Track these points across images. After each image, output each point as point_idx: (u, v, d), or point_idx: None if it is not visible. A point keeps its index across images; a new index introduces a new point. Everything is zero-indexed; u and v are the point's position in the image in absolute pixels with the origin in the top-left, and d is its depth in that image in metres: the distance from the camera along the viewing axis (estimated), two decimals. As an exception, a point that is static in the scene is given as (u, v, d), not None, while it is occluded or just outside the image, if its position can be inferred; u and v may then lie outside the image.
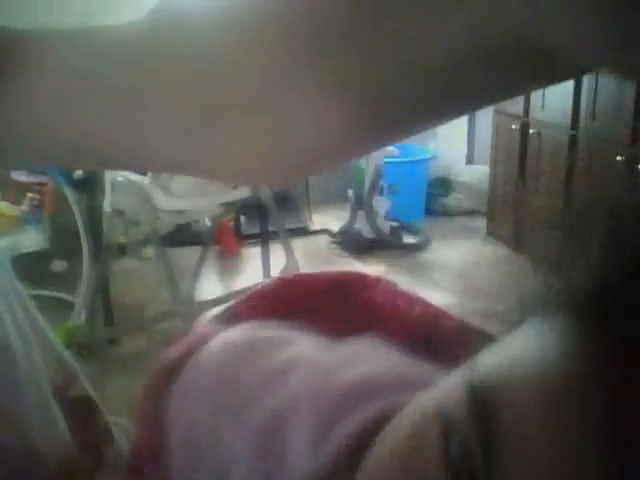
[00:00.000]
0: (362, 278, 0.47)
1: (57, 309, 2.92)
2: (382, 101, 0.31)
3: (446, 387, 0.28)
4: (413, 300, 0.45)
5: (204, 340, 0.43)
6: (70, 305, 2.89)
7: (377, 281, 0.47)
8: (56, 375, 0.55)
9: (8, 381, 0.46)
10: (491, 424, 0.24)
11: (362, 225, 3.86)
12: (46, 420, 0.49)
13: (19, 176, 3.16)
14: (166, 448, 0.40)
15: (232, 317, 0.46)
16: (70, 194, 2.87)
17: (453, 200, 4.47)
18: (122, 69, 0.34)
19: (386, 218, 3.90)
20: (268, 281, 0.49)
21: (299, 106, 0.31)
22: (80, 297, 2.85)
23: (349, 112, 0.31)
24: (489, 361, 0.28)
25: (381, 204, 3.85)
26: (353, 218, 3.91)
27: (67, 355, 0.59)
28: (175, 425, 0.40)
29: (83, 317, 2.78)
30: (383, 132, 0.33)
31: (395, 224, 3.95)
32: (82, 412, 0.57)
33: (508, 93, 0.32)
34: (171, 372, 0.41)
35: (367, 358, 0.41)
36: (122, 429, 0.60)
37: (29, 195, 3.23)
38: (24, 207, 3.18)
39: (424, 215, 4.32)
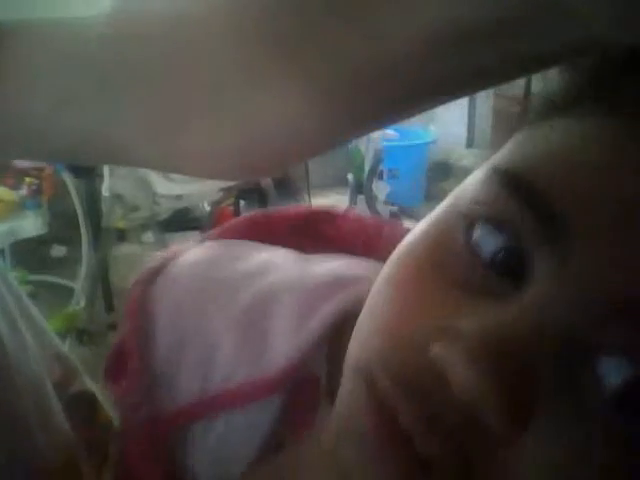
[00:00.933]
0: (329, 212, 0.48)
1: (57, 295, 2.92)
2: (355, 92, 0.30)
3: (469, 184, 0.30)
4: (381, 222, 0.47)
5: (184, 250, 0.45)
6: (70, 291, 2.89)
7: (346, 212, 0.48)
8: (55, 371, 0.54)
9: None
10: (542, 194, 0.24)
11: (362, 209, 3.85)
12: (45, 417, 0.49)
13: (17, 161, 3.15)
14: (151, 336, 0.41)
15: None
16: (68, 179, 2.86)
17: (453, 184, 4.44)
18: (89, 62, 0.34)
19: (386, 202, 3.89)
20: (237, 219, 0.50)
21: (266, 100, 0.31)
22: (80, 283, 2.85)
23: (320, 104, 0.30)
24: (525, 150, 0.28)
25: (381, 188, 3.84)
26: (353, 202, 3.90)
27: (65, 349, 0.59)
28: (160, 311, 0.41)
29: (83, 303, 2.78)
30: (358, 122, 0.33)
31: (395, 208, 3.94)
32: (84, 409, 0.56)
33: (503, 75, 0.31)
34: (155, 270, 0.43)
35: (336, 258, 0.43)
36: None
37: (27, 180, 3.22)
38: (22, 192, 3.17)
39: (424, 199, 4.30)
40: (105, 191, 2.45)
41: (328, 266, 0.42)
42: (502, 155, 0.29)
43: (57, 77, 0.35)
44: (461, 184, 0.33)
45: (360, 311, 0.31)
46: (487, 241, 0.26)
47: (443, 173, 4.50)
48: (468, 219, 0.27)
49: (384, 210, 3.85)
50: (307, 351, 0.37)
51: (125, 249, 3.58)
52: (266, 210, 0.50)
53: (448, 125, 4.57)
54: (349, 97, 0.30)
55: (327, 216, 0.48)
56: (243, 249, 0.44)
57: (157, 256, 0.45)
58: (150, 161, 0.37)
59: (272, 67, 0.30)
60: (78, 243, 2.88)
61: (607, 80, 0.27)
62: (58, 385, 0.53)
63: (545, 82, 0.30)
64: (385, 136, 3.78)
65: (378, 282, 0.30)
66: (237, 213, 4.03)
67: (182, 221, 3.47)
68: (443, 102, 0.32)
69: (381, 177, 3.86)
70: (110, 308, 2.83)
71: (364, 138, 3.75)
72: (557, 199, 0.24)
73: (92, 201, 2.65)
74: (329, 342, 0.38)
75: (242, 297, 0.40)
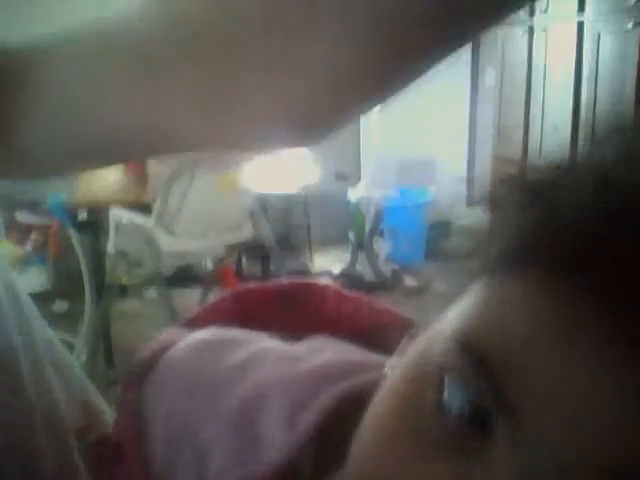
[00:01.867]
0: (310, 286, 0.49)
1: (58, 350, 2.90)
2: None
3: (434, 335, 0.31)
4: (359, 302, 0.48)
5: (172, 341, 0.45)
6: (71, 346, 2.88)
7: (324, 288, 0.49)
8: (78, 415, 0.54)
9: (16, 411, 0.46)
10: (494, 373, 0.25)
11: (363, 267, 3.87)
12: (64, 465, 0.50)
13: (23, 217, 3.19)
14: (147, 436, 0.42)
15: (193, 324, 0.49)
16: (74, 235, 2.88)
17: (453, 243, 4.49)
18: (133, 49, 0.35)
19: (387, 261, 3.91)
20: (219, 295, 0.51)
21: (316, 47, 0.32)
22: (81, 338, 2.85)
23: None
24: (473, 316, 0.29)
25: (382, 247, 3.87)
26: (354, 260, 3.93)
27: (93, 393, 0.59)
28: (155, 415, 0.42)
29: (84, 358, 2.77)
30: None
31: (396, 267, 3.96)
32: (101, 456, 0.56)
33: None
34: (146, 366, 0.43)
35: (325, 351, 0.43)
36: None
37: (33, 236, 3.25)
38: (28, 247, 3.20)
39: (424, 258, 4.33)
40: (110, 248, 2.48)
41: (316, 360, 0.42)
42: (461, 317, 0.30)
43: (104, 72, 0.36)
44: (428, 335, 0.34)
45: (349, 408, 0.33)
46: (455, 398, 0.26)
47: (443, 232, 4.54)
48: (437, 376, 0.27)
49: (386, 268, 3.88)
50: (298, 448, 0.38)
51: (127, 305, 3.59)
52: (246, 287, 0.51)
53: (447, 184, 4.64)
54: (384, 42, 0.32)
55: (306, 289, 0.49)
56: (232, 340, 0.45)
57: (147, 349, 0.45)
58: (208, 139, 0.38)
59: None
60: (80, 299, 2.89)
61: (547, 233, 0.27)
62: (79, 431, 0.54)
63: (496, 234, 0.31)
64: (386, 196, 3.84)
65: (366, 420, 0.31)
66: (239, 269, 4.06)
67: (184, 277, 3.50)
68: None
69: (381, 235, 3.89)
70: (111, 364, 2.82)
71: (365, 198, 3.81)
72: (508, 385, 0.24)
73: (96, 258, 2.68)
74: (317, 438, 0.38)
75: (232, 397, 0.41)
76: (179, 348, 0.44)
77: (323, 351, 0.43)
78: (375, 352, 0.44)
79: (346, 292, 0.49)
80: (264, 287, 0.50)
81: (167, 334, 0.47)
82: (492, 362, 0.25)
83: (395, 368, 0.33)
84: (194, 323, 0.49)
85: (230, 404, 0.40)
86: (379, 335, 0.45)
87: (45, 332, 0.53)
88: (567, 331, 0.24)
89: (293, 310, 0.48)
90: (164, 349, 0.45)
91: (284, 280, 0.50)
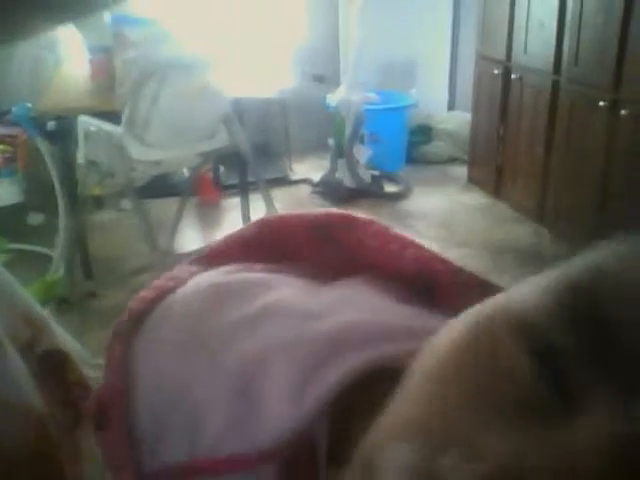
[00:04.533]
0: (350, 218, 0.44)
1: (35, 263, 2.88)
2: None
3: (520, 295, 0.28)
4: (407, 243, 0.43)
5: (179, 283, 0.40)
6: (49, 259, 2.85)
7: (367, 222, 0.44)
8: (23, 331, 0.53)
9: None
10: (604, 326, 0.23)
11: (343, 174, 3.82)
12: (6, 379, 0.47)
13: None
14: (134, 393, 0.38)
15: (212, 259, 0.44)
16: (43, 146, 2.80)
17: (434, 147, 4.44)
18: None
19: (367, 167, 3.87)
20: (249, 223, 0.46)
21: None
22: (57, 250, 2.81)
23: None
24: (586, 264, 0.27)
25: (362, 153, 3.81)
26: (334, 167, 3.88)
27: (35, 308, 0.57)
28: (144, 370, 0.38)
29: (62, 271, 2.75)
30: None
31: (376, 173, 3.92)
32: (53, 367, 0.55)
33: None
34: (139, 316, 0.39)
35: (352, 304, 0.38)
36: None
37: (1, 147, 3.15)
38: (-4, 160, 3.10)
39: (405, 163, 4.29)
40: (80, 158, 2.40)
41: (337, 319, 0.37)
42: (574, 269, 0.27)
43: None
44: (509, 294, 0.30)
45: (372, 376, 0.29)
46: (544, 361, 0.24)
47: (424, 136, 4.48)
48: (524, 337, 0.25)
49: (365, 174, 3.83)
50: (304, 421, 0.34)
51: (104, 216, 3.54)
52: (278, 215, 0.46)
53: (429, 88, 4.54)
54: None
55: (346, 222, 0.44)
56: (245, 284, 0.40)
57: (150, 289, 0.41)
58: None
59: None
60: (55, 211, 2.84)
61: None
62: (27, 345, 0.52)
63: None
64: (366, 99, 3.74)
65: (417, 372, 0.28)
66: (217, 179, 4.00)
67: (161, 187, 3.44)
68: None
69: (362, 141, 3.83)
70: (89, 276, 2.80)
71: (345, 102, 3.71)
72: (619, 342, 0.23)
73: (67, 168, 2.60)
74: (332, 407, 0.34)
75: (233, 356, 0.36)
76: (181, 293, 0.39)
77: (349, 306, 0.38)
78: (421, 299, 0.40)
79: (392, 230, 0.44)
80: (297, 215, 0.45)
81: (176, 271, 0.42)
82: (608, 314, 0.24)
83: (459, 325, 0.29)
84: (219, 253, 0.44)
85: (231, 365, 0.36)
86: (427, 281, 0.41)
87: None
88: None
89: (330, 243, 0.43)
90: (165, 292, 0.40)
91: (320, 210, 0.45)
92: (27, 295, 0.57)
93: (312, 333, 0.36)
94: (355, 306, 0.38)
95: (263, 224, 0.45)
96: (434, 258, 0.42)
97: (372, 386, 0.32)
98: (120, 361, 0.38)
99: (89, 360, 0.60)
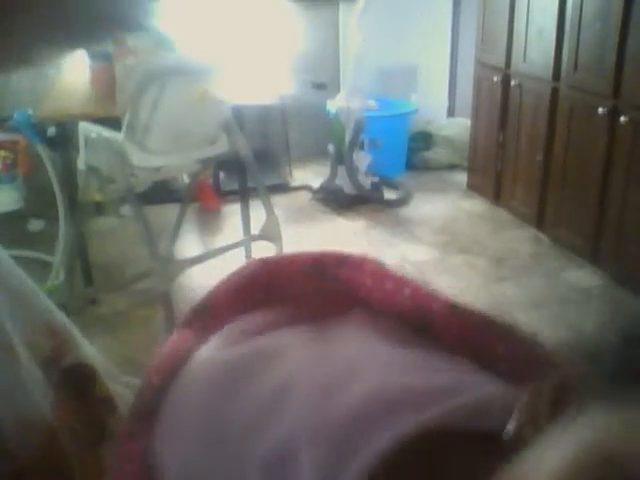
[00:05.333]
0: (344, 257, 0.45)
1: (35, 269, 2.88)
2: None
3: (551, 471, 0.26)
4: (402, 282, 0.43)
5: (185, 356, 0.40)
6: (48, 265, 2.85)
7: (361, 261, 0.45)
8: (46, 341, 0.52)
9: None
10: None
11: (343, 181, 3.82)
12: (19, 390, 0.47)
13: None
14: None
15: (211, 314, 0.44)
16: (43, 152, 2.80)
17: (434, 154, 4.45)
18: None
19: (367, 173, 3.87)
20: (246, 264, 0.46)
21: None
22: (57, 257, 2.81)
23: None
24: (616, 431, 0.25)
25: (362, 159, 3.82)
26: (334, 174, 3.88)
27: (59, 318, 0.56)
28: (167, 462, 0.38)
29: (61, 277, 2.75)
30: None
31: (376, 179, 3.92)
32: (78, 382, 0.54)
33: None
34: (152, 406, 0.39)
35: (365, 363, 0.37)
36: (133, 389, 0.57)
37: (1, 153, 3.15)
38: (-4, 166, 3.11)
39: (405, 169, 4.29)
40: (80, 164, 2.40)
41: (355, 390, 0.35)
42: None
43: None
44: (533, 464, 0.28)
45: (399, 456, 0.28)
46: None
47: (424, 143, 4.49)
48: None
49: (365, 181, 3.84)
50: None
51: (104, 222, 3.54)
52: (269, 259, 0.46)
53: (429, 94, 4.54)
54: None
55: (340, 261, 0.45)
56: (255, 357, 0.39)
57: (157, 363, 0.40)
58: None
59: None
60: (55, 217, 2.84)
61: None
62: (50, 359, 0.51)
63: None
64: (366, 106, 3.75)
65: None
66: (217, 185, 4.00)
67: (161, 193, 3.44)
68: None
69: (362, 147, 3.83)
70: (89, 282, 2.80)
71: (345, 108, 3.72)
72: None
73: (67, 174, 2.60)
74: None
75: (258, 450, 0.35)
76: (191, 376, 0.39)
77: (363, 367, 0.37)
78: (419, 337, 0.40)
79: (386, 268, 0.44)
80: (291, 256, 0.46)
81: (179, 339, 0.42)
82: None
83: None
84: (217, 304, 0.45)
85: (258, 459, 0.35)
86: (424, 319, 0.41)
87: (4, 261, 0.49)
88: None
89: (325, 281, 0.44)
90: (173, 372, 0.39)
91: (315, 251, 0.46)
92: (51, 305, 0.57)
93: (336, 411, 0.35)
94: (369, 365, 0.37)
95: (259, 266, 0.46)
96: (430, 296, 0.42)
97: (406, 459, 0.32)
98: (141, 455, 0.38)
99: (116, 376, 0.59)
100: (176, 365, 0.40)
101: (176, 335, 0.43)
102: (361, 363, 0.37)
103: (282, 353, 0.39)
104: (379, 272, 0.44)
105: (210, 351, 0.40)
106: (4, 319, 0.49)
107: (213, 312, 0.44)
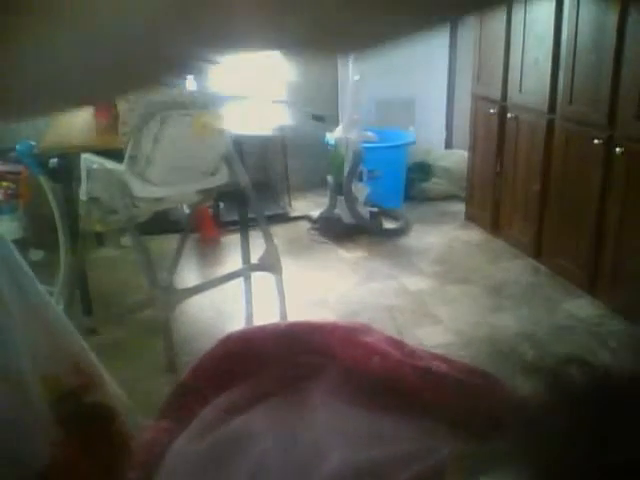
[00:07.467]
0: (313, 326, 0.47)
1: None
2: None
3: None
4: (372, 350, 0.44)
5: (160, 451, 0.41)
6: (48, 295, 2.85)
7: (331, 329, 0.46)
8: (70, 378, 0.53)
9: None
10: None
11: (342, 211, 3.85)
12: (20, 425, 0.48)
13: (-7, 165, 3.11)
14: None
15: (192, 393, 0.46)
16: (45, 182, 2.82)
17: (432, 185, 4.48)
18: None
19: (366, 204, 3.90)
20: (221, 340, 0.48)
21: None
22: (58, 287, 2.82)
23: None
24: None
25: (360, 190, 3.85)
26: (333, 204, 3.91)
27: (89, 358, 0.57)
28: None
29: (61, 307, 2.75)
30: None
31: (375, 209, 3.95)
32: (95, 421, 0.55)
33: None
34: None
35: (331, 441, 0.38)
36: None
37: (3, 184, 3.18)
38: (-2, 196, 3.13)
39: (404, 200, 4.32)
40: (82, 195, 2.42)
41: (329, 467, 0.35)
42: None
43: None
44: None
45: None
46: None
47: (423, 174, 4.52)
48: None
49: (364, 211, 3.86)
50: None
51: (104, 253, 3.55)
52: (240, 332, 0.48)
53: (427, 126, 4.60)
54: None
55: (310, 329, 0.46)
56: (227, 448, 0.39)
57: (133, 462, 0.42)
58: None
59: None
60: (56, 247, 2.85)
61: None
62: (71, 396, 0.52)
63: None
64: (364, 137, 3.79)
65: None
66: (217, 215, 4.02)
67: (161, 224, 3.45)
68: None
69: (361, 178, 3.86)
70: (89, 312, 2.80)
71: (343, 140, 3.76)
72: None
73: (69, 205, 2.62)
74: None
75: None
76: (165, 474, 0.40)
77: (329, 445, 0.37)
78: (390, 398, 0.41)
79: (356, 334, 0.45)
80: (261, 328, 0.48)
81: (152, 434, 0.43)
82: None
83: None
84: (190, 389, 0.46)
85: None
86: (395, 384, 0.42)
87: (40, 296, 0.50)
88: None
89: (296, 347, 0.46)
90: (152, 464, 0.40)
91: (283, 322, 0.48)
92: (83, 344, 0.58)
93: None
94: (336, 442, 0.38)
95: (229, 342, 0.47)
96: (401, 363, 0.43)
97: None
98: None
99: (138, 419, 0.60)
100: (153, 459, 0.41)
101: (154, 426, 0.45)
102: (328, 442, 0.38)
103: (252, 436, 0.39)
104: (349, 340, 0.45)
105: (184, 443, 0.42)
106: (24, 354, 0.50)
107: (193, 391, 0.46)
